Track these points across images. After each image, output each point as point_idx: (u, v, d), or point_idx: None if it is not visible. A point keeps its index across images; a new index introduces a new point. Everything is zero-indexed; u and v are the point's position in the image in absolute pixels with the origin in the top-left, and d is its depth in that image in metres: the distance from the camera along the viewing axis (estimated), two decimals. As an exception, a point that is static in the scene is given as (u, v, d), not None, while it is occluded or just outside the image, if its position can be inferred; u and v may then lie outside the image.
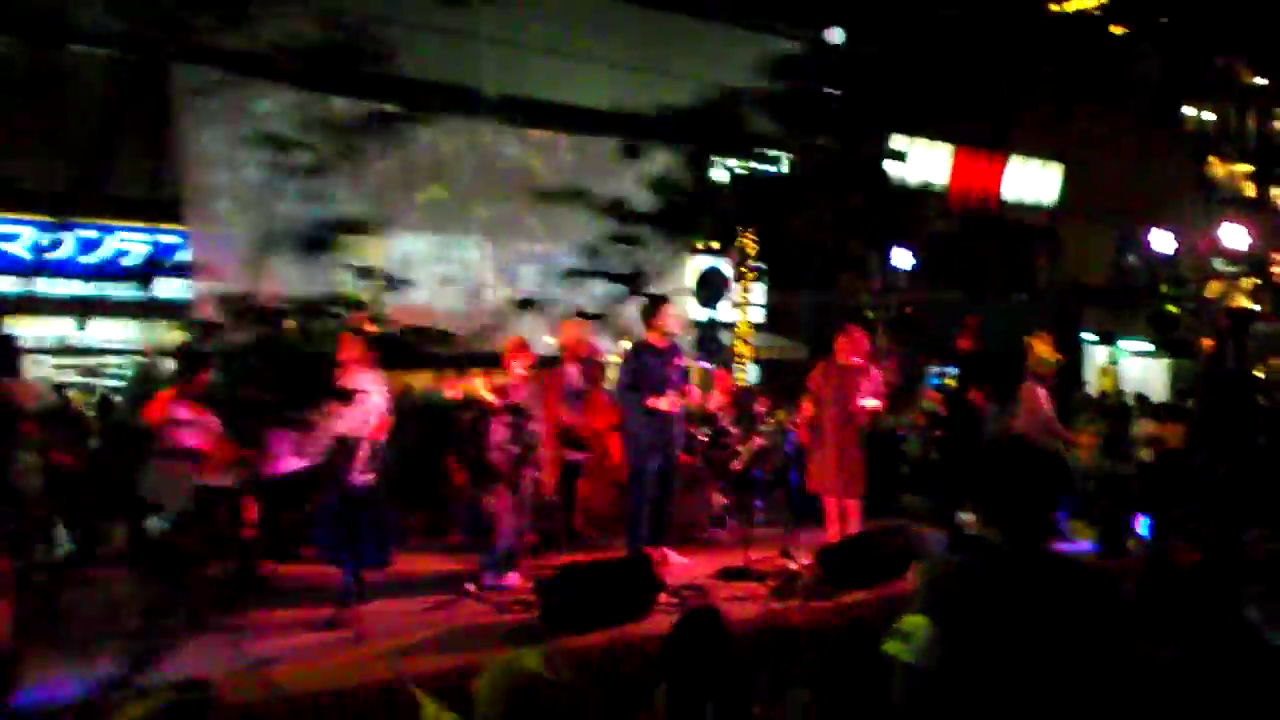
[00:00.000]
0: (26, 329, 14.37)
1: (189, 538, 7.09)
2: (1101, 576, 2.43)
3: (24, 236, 13.44)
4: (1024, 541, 2.35)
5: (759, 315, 18.38)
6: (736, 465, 8.22)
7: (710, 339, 13.88)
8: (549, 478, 8.50)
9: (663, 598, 6.71)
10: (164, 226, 11.33)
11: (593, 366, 8.42)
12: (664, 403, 7.35)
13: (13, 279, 13.33)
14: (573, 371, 8.33)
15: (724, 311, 15.18)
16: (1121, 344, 22.15)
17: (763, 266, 15.28)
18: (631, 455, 7.62)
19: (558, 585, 6.17)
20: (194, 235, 10.56)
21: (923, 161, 18.75)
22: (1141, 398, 16.07)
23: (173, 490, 7.08)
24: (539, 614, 6.17)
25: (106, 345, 13.52)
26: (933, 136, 18.73)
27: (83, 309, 12.55)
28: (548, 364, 8.69)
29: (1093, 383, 20.54)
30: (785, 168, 14.86)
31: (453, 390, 6.97)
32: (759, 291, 18.63)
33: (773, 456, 9.18)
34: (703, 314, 14.21)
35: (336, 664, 5.58)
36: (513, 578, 7.02)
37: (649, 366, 7.42)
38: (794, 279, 20.43)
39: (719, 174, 15.79)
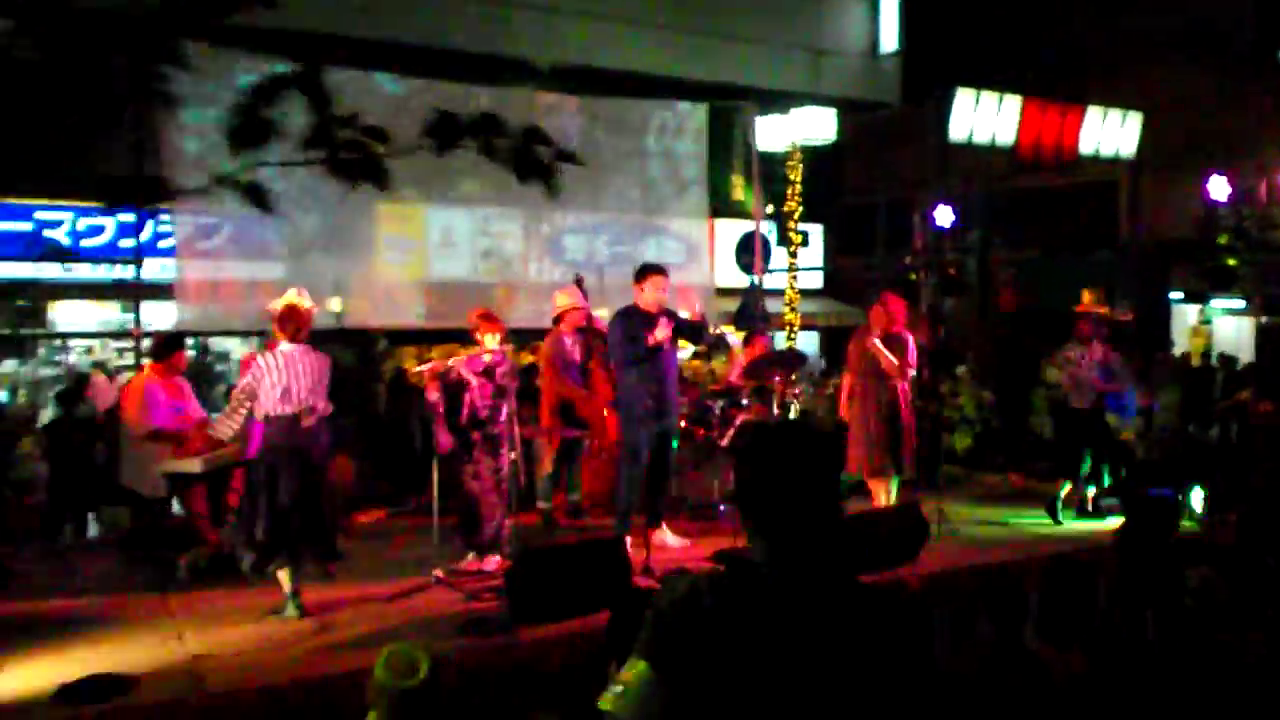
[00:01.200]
0: (70, 315, 14.59)
1: (162, 523, 6.93)
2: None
3: (65, 223, 13.54)
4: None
5: (816, 280, 17.77)
6: (723, 441, 7.75)
7: (752, 306, 13.34)
8: (546, 454, 8.19)
9: (643, 583, 6.30)
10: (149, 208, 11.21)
11: (592, 337, 8.00)
12: (659, 332, 6.93)
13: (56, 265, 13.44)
14: (569, 342, 7.94)
15: (772, 277, 14.65)
16: (1214, 302, 20.92)
17: (809, 230, 14.60)
18: (623, 425, 7.21)
19: (519, 572, 5.80)
20: (178, 217, 10.40)
21: (990, 115, 17.82)
22: (1226, 359, 15.07)
23: (146, 475, 6.91)
24: (504, 603, 5.82)
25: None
26: (1001, 89, 17.76)
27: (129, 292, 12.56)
28: (542, 336, 8.36)
29: (1181, 344, 19.43)
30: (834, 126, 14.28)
31: (424, 366, 6.62)
32: (817, 255, 17.99)
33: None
34: (744, 280, 13.71)
35: (276, 657, 5.31)
36: (492, 562, 6.68)
37: (638, 328, 6.99)
38: (852, 241, 19.73)
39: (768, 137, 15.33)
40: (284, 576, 5.90)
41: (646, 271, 7.20)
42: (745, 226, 14.33)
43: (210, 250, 10.98)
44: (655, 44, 16.41)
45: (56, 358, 14.79)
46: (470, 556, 6.74)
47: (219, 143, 10.68)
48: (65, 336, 14.62)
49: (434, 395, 6.54)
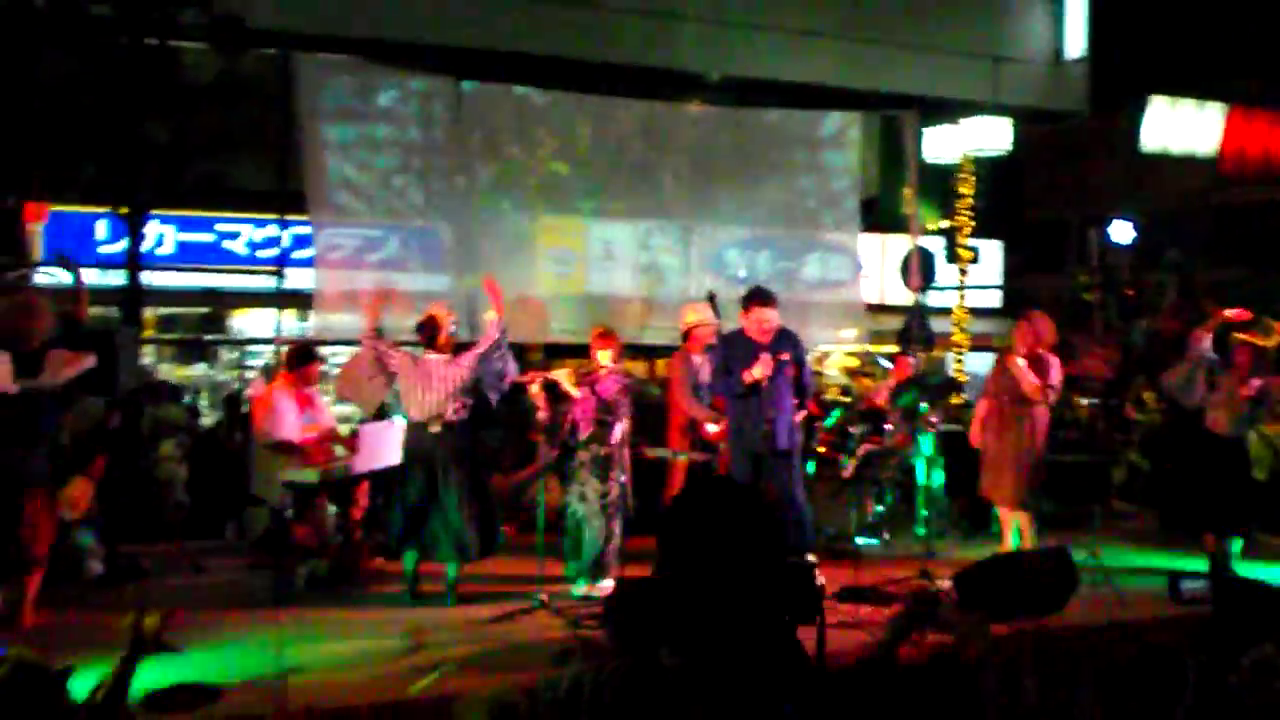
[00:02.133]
0: (250, 322, 15.22)
1: (290, 531, 7.00)
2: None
3: (243, 234, 14.11)
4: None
5: (993, 299, 16.89)
6: (845, 472, 7.30)
7: (917, 326, 12.75)
8: (675, 477, 7.92)
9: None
10: (290, 218, 11.52)
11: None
12: (757, 370, 6.57)
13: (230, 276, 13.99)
14: (698, 361, 7.66)
15: (942, 296, 14.00)
16: None
17: (980, 247, 13.83)
18: (730, 454, 6.89)
19: (618, 601, 5.56)
20: (317, 226, 10.60)
21: (1190, 125, 16.60)
22: None
23: (273, 484, 7.00)
24: (607, 631, 5.58)
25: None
26: (1202, 97, 16.54)
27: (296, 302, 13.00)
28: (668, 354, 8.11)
29: None
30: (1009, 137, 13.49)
31: (531, 382, 6.47)
32: (994, 273, 17.11)
33: (888, 460, 8.12)
34: (909, 299, 13.12)
35: (364, 677, 5.22)
36: (606, 586, 6.46)
37: (736, 360, 6.67)
38: (1038, 259, 18.69)
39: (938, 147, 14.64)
40: (407, 563, 6.48)
41: (750, 300, 6.85)
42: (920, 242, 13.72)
43: (365, 262, 11.15)
44: (826, 54, 15.94)
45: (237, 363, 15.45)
46: (579, 581, 6.55)
47: (363, 157, 11.05)
48: (218, 343, 15.19)
49: (541, 411, 6.38)
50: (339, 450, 7.32)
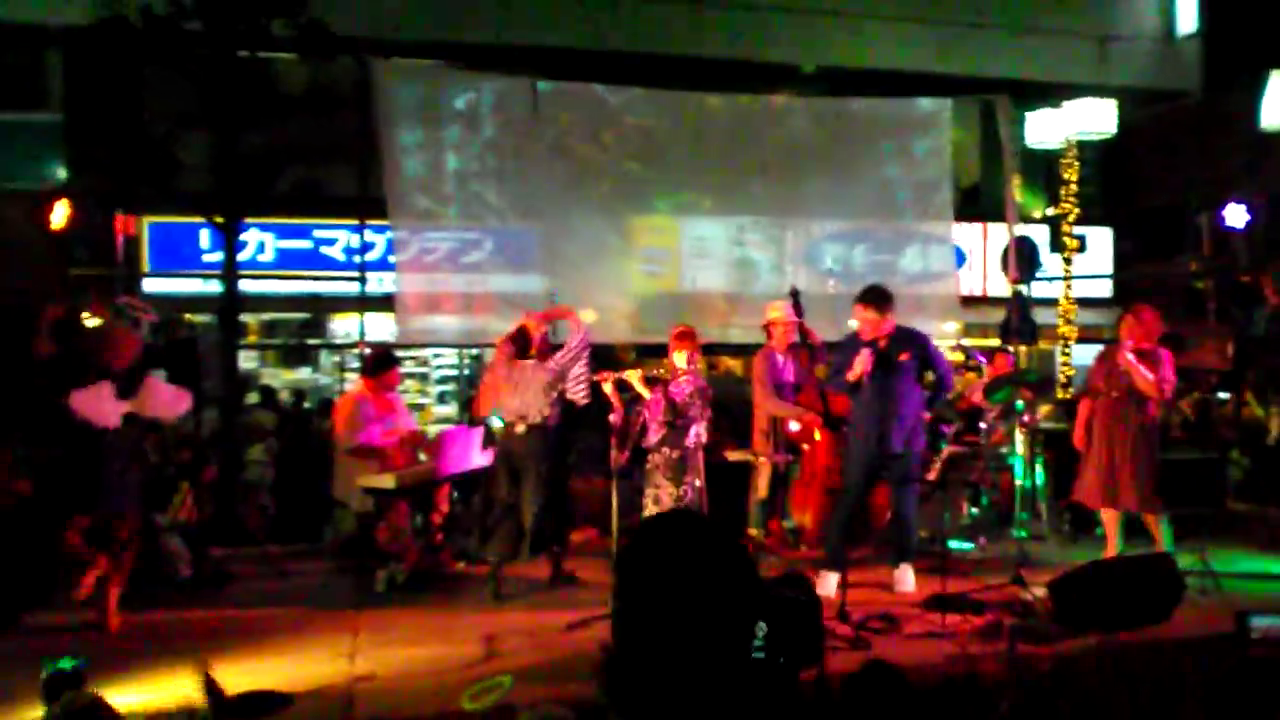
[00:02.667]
0: (351, 326, 15.46)
1: (372, 535, 7.02)
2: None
3: (339, 240, 14.34)
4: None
5: (1104, 289, 16.22)
6: (930, 475, 6.99)
7: (1018, 318, 12.28)
8: (762, 480, 7.73)
9: (842, 629, 5.77)
10: (372, 223, 11.59)
11: (807, 354, 7.49)
12: (857, 366, 6.45)
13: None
14: (780, 360, 7.46)
15: (1048, 286, 13.47)
16: None
17: (1087, 234, 13.22)
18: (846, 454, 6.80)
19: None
20: (397, 230, 10.63)
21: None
22: None
23: (353, 489, 7.04)
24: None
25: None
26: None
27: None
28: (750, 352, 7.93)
29: None
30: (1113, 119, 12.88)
31: (604, 381, 6.36)
32: (1105, 262, 16.42)
33: (973, 463, 7.75)
34: (1010, 289, 12.64)
35: (434, 684, 5.16)
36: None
37: (844, 359, 6.52)
38: (1153, 246, 17.85)
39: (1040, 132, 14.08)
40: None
41: (856, 299, 6.72)
42: (1020, 231, 13.18)
43: (451, 265, 11.16)
44: (921, 41, 15.56)
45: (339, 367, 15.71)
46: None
47: (438, 160, 11.05)
48: (309, 348, 15.43)
49: (614, 413, 6.27)
50: (421, 455, 7.33)
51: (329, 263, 14.26)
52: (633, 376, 6.34)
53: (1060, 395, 12.78)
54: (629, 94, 11.77)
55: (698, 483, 6.30)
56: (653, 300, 13.60)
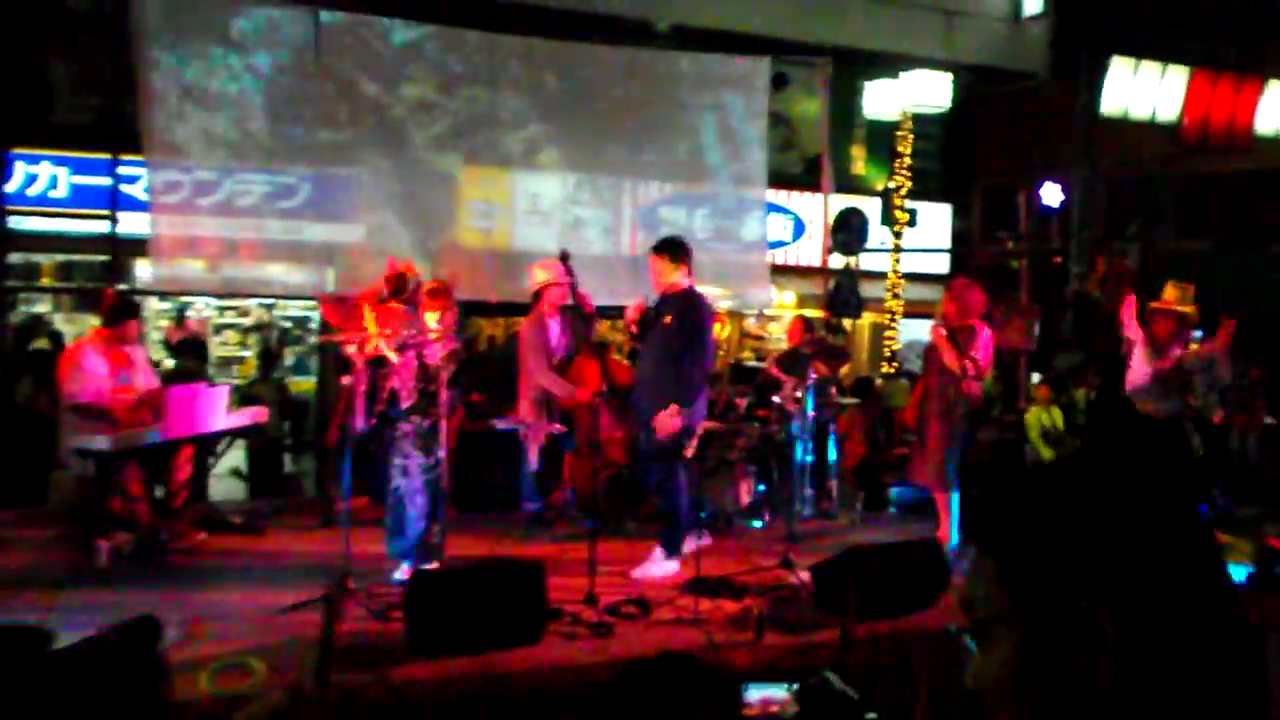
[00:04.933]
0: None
1: (94, 501, 6.36)
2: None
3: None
4: None
5: (940, 265, 16.21)
6: (687, 451, 6.62)
7: (845, 290, 12.10)
8: (533, 450, 7.29)
9: (588, 614, 5.39)
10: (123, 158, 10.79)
11: (577, 320, 7.05)
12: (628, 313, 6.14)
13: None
14: (553, 326, 7.01)
15: (873, 259, 13.33)
16: None
17: (918, 209, 13.12)
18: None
19: (413, 596, 4.95)
20: (153, 167, 9.83)
21: (1151, 89, 15.85)
22: None
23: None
24: (404, 629, 4.97)
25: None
26: (1165, 59, 15.77)
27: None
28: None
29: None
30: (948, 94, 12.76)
31: (348, 343, 5.80)
32: (942, 238, 16.42)
33: (731, 440, 7.45)
34: (841, 262, 12.46)
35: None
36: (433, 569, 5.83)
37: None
38: (995, 225, 17.99)
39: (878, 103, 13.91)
40: None
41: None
42: (861, 202, 12.98)
43: (242, 209, 10.41)
44: (774, 3, 15.21)
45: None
46: (399, 565, 5.93)
47: (205, 90, 10.25)
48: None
49: (347, 377, 5.73)
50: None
51: (131, 202, 13.24)
52: (379, 337, 5.79)
53: (885, 369, 12.71)
54: (424, 30, 11.09)
55: (440, 453, 5.81)
56: (482, 256, 13.08)
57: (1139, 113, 15.70)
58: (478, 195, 13.15)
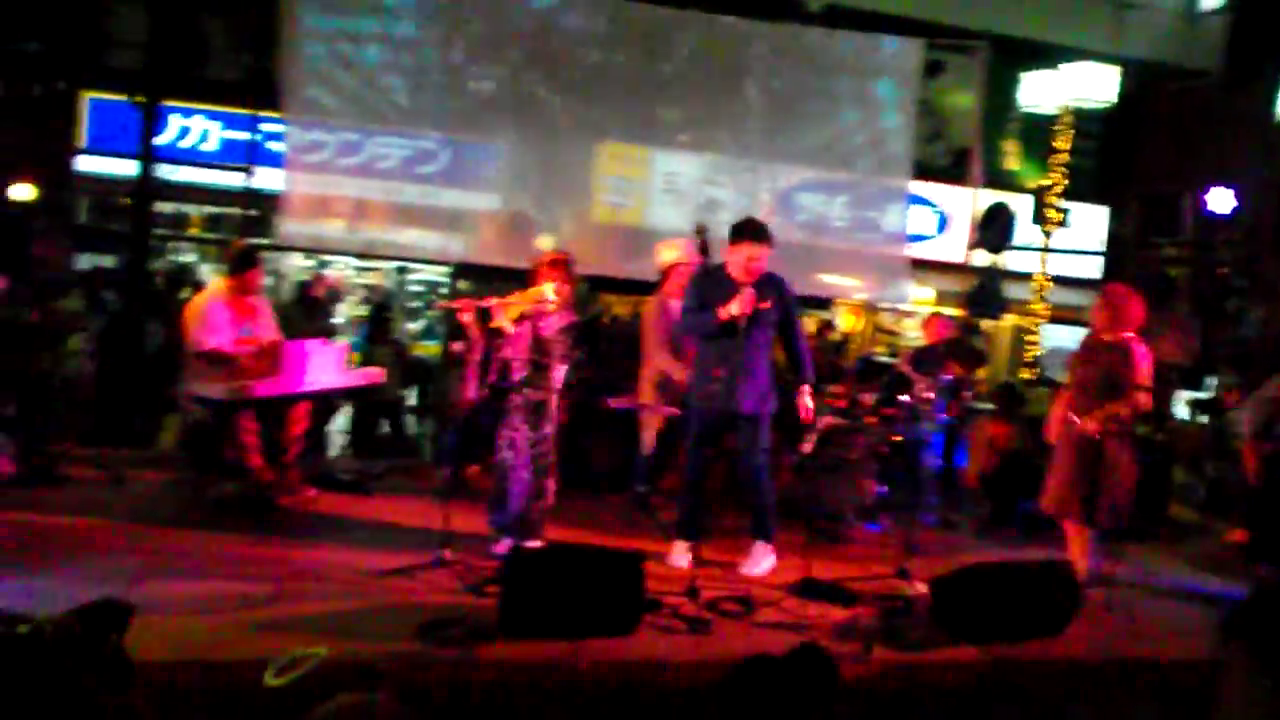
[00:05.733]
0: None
1: (209, 447, 6.40)
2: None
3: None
4: None
5: (1092, 269, 15.38)
6: (805, 447, 6.27)
7: (987, 289, 11.53)
8: (649, 434, 7.07)
9: (689, 608, 5.15)
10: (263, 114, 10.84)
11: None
12: (734, 306, 5.64)
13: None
14: (676, 306, 6.75)
15: (1019, 259, 12.68)
16: None
17: (1072, 209, 12.41)
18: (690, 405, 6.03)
19: (509, 574, 4.79)
20: (293, 125, 9.85)
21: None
22: None
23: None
24: (497, 606, 4.82)
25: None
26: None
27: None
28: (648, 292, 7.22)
29: None
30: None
31: (463, 311, 5.64)
32: (1097, 241, 15.57)
33: (853, 438, 7.00)
34: (985, 260, 11.89)
35: (207, 624, 4.55)
36: (534, 546, 5.68)
37: (713, 295, 5.76)
38: (1160, 231, 16.96)
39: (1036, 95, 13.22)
40: None
41: (741, 235, 5.84)
42: (1011, 199, 12.32)
43: (382, 170, 10.46)
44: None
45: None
46: (503, 539, 5.78)
47: (345, 53, 10.27)
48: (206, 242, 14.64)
49: (458, 344, 5.59)
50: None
51: (276, 158, 13.49)
52: (495, 305, 5.63)
53: (1025, 375, 12.11)
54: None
55: (548, 429, 5.64)
56: (614, 233, 12.98)
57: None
58: (615, 171, 13.04)
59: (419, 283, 15.07)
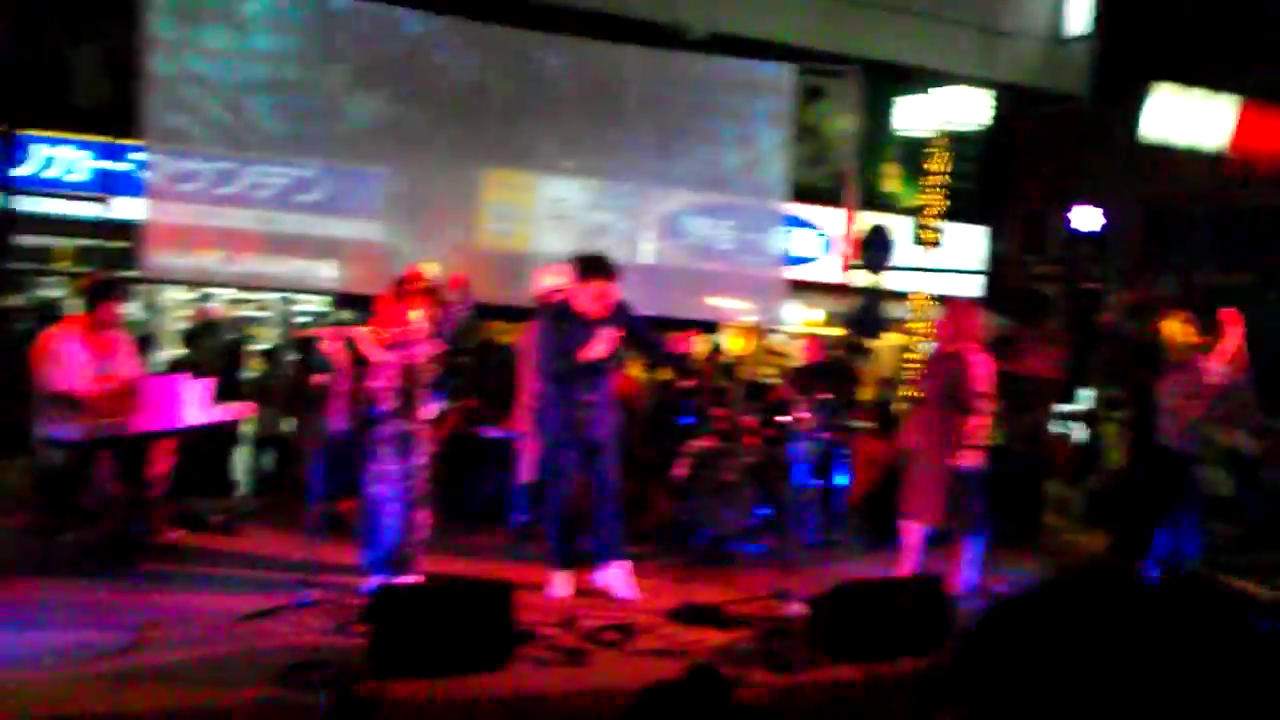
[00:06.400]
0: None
1: (63, 491, 6.12)
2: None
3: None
4: None
5: (973, 288, 15.74)
6: (679, 470, 6.28)
7: (868, 309, 11.72)
8: (527, 462, 6.98)
9: (567, 638, 5.07)
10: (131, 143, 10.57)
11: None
12: (599, 348, 5.70)
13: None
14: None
15: (900, 279, 12.92)
16: None
17: (947, 229, 12.71)
18: (545, 445, 6.00)
19: (376, 612, 4.65)
20: (159, 153, 9.60)
21: (1197, 117, 15.37)
22: None
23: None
24: (365, 646, 4.67)
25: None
26: (1214, 87, 15.30)
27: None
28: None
29: None
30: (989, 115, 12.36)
31: (330, 342, 5.51)
32: (978, 259, 15.96)
33: (725, 460, 7.04)
34: (866, 281, 12.09)
35: (63, 675, 4.32)
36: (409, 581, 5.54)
37: (571, 338, 5.77)
38: (1033, 251, 17.49)
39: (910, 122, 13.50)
40: None
41: (590, 271, 5.87)
42: (890, 220, 12.57)
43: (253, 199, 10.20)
44: (808, 12, 14.84)
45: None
46: (373, 575, 5.63)
47: (207, 76, 10.04)
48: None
49: (322, 375, 5.45)
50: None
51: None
52: (365, 336, 5.51)
53: (903, 393, 12.31)
54: (441, 23, 10.81)
55: (421, 460, 5.52)
56: (499, 260, 12.87)
57: (1181, 140, 15.23)
58: (499, 197, 12.95)
59: (305, 314, 14.76)
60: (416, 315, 5.49)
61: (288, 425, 8.20)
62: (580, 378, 5.74)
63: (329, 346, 5.48)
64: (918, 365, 12.56)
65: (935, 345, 6.55)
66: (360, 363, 5.47)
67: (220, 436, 7.30)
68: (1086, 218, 11.61)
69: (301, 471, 6.47)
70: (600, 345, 5.66)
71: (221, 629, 5.03)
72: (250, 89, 9.91)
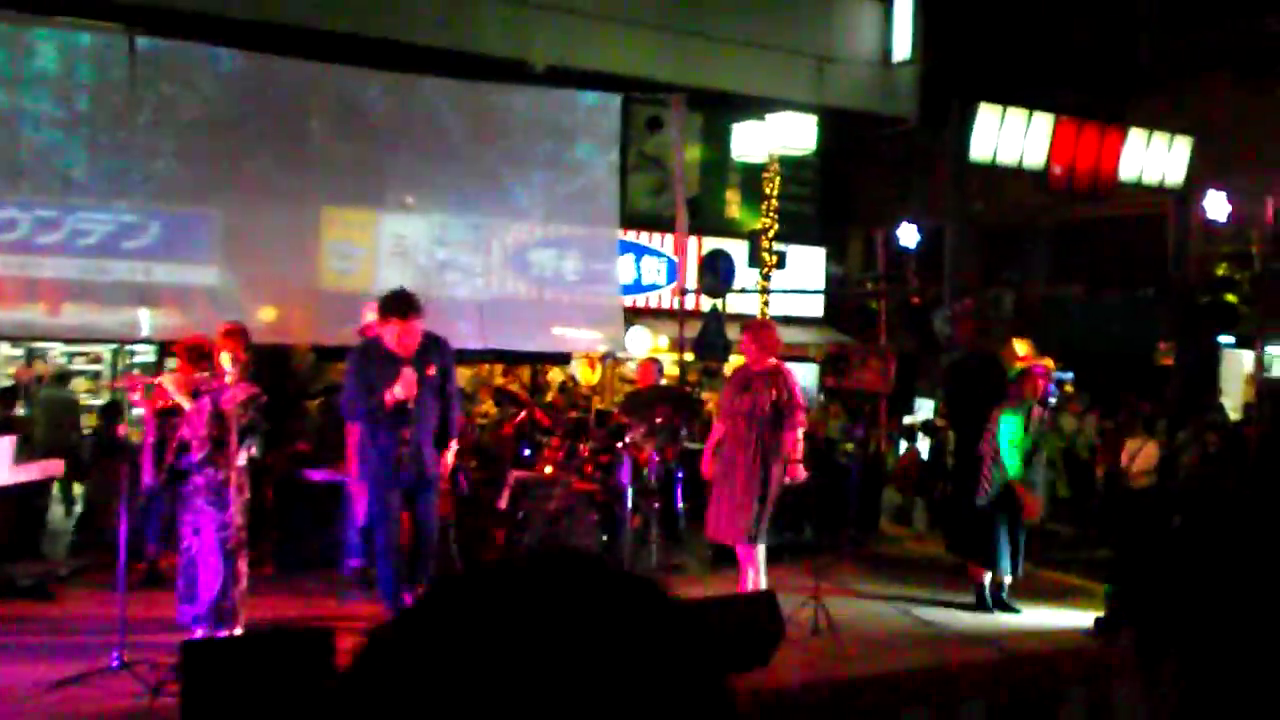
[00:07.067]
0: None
1: None
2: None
3: None
4: None
5: (814, 308, 16.19)
6: (500, 503, 6.30)
7: (710, 333, 11.88)
8: (359, 506, 6.84)
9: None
10: None
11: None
12: (398, 389, 5.61)
13: None
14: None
15: (742, 301, 13.16)
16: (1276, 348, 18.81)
17: (787, 251, 13.04)
18: (369, 485, 5.93)
19: (187, 671, 4.48)
20: None
21: (1018, 136, 16.12)
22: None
23: None
24: (178, 706, 4.49)
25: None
26: (1030, 106, 16.06)
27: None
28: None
29: (1234, 392, 17.43)
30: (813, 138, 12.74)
31: (133, 389, 5.32)
32: (815, 280, 16.40)
33: (549, 490, 7.07)
34: (707, 304, 12.27)
35: None
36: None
37: (376, 378, 5.71)
38: (869, 268, 18.09)
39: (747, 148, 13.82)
40: None
41: (392, 310, 5.81)
42: (731, 244, 12.80)
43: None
44: (644, 45, 15.08)
45: None
46: (197, 632, 5.43)
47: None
48: None
49: (123, 427, 5.26)
50: None
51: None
52: (168, 382, 5.33)
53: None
54: (257, 61, 10.62)
55: (236, 508, 5.36)
56: (340, 299, 12.61)
57: (1007, 159, 15.92)
58: (340, 236, 12.74)
59: (138, 365, 14.23)
60: (226, 359, 5.34)
61: (88, 482, 7.80)
62: (392, 415, 5.65)
63: (134, 397, 5.28)
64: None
65: (743, 365, 6.63)
66: (168, 412, 5.29)
67: (28, 496, 6.92)
68: (908, 234, 12.03)
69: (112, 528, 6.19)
70: (403, 385, 5.59)
71: (27, 699, 4.77)
72: (58, 130, 9.56)
